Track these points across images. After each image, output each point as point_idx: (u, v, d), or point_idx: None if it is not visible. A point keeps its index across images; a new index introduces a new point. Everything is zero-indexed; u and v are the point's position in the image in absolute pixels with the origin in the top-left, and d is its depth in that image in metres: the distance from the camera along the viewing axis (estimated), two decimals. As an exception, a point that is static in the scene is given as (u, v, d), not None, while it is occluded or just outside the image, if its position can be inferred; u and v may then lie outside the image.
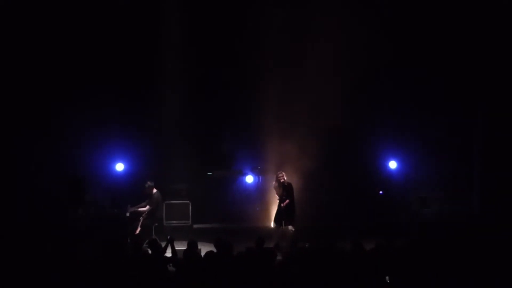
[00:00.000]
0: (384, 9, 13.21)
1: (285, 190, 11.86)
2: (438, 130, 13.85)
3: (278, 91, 13.46)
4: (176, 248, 8.48)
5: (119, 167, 13.78)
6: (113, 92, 13.46)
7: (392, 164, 14.36)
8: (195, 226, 13.37)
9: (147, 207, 12.08)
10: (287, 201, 11.78)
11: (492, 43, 12.87)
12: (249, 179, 14.20)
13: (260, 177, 14.16)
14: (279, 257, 8.51)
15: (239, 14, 13.43)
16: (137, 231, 11.74)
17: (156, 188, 12.34)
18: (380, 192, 14.27)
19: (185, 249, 7.95)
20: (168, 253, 8.39)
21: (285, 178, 11.96)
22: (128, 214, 11.95)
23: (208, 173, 14.03)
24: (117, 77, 13.39)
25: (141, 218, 11.90)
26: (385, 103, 13.98)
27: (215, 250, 7.91)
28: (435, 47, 13.28)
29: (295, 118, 13.78)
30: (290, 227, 11.71)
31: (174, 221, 13.16)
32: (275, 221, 12.00)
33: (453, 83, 13.34)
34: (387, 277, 7.61)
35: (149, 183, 12.28)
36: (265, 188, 13.84)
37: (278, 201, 11.96)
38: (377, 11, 13.14)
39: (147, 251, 8.12)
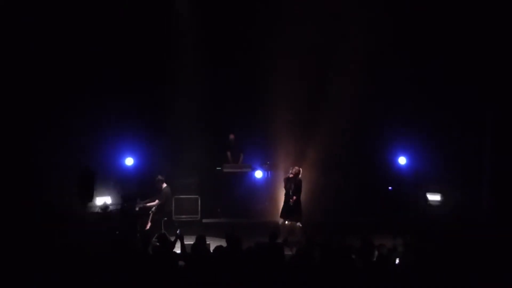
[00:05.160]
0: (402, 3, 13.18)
1: (295, 186, 11.85)
2: (448, 126, 13.76)
3: (287, 87, 13.44)
4: (185, 243, 8.50)
5: (129, 161, 13.80)
6: (123, 86, 13.48)
7: (402, 160, 14.30)
8: (204, 220, 13.40)
9: (157, 201, 12.11)
10: (295, 197, 11.80)
11: (505, 33, 12.74)
12: (258, 174, 14.18)
13: (269, 172, 14.15)
14: (287, 252, 8.54)
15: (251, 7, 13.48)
16: (147, 226, 11.81)
17: (165, 183, 12.36)
18: (390, 188, 14.21)
19: (193, 243, 7.97)
20: (177, 249, 8.41)
21: (300, 175, 11.95)
22: (137, 209, 11.99)
23: (217, 168, 14.03)
24: (127, 71, 13.40)
25: (150, 212, 11.95)
26: (394, 98, 13.90)
27: (224, 245, 7.92)
28: (446, 39, 13.17)
29: (304, 114, 13.79)
30: (297, 223, 11.75)
31: (184, 216, 13.22)
32: (282, 215, 12.02)
33: (464, 79, 13.24)
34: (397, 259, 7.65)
35: (159, 177, 12.33)
36: (274, 183, 13.84)
37: (284, 195, 11.98)
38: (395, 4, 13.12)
39: (157, 245, 8.15)
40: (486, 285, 6.99)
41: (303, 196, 12.12)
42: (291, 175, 11.89)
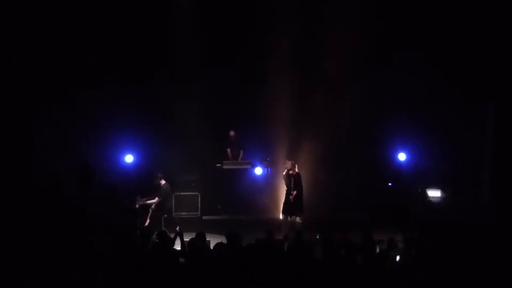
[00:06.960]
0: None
1: (294, 181, 11.85)
2: (448, 122, 13.77)
3: (287, 84, 13.45)
4: (185, 240, 8.49)
5: (129, 158, 13.80)
6: (123, 84, 13.48)
7: (402, 156, 14.31)
8: (204, 217, 13.41)
9: (156, 199, 12.11)
10: (295, 192, 11.79)
11: (505, 33, 12.74)
12: (258, 171, 14.19)
13: (269, 169, 14.15)
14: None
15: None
16: (147, 223, 11.80)
17: (165, 180, 12.36)
18: (389, 184, 14.22)
19: (190, 239, 7.94)
20: (177, 245, 8.40)
21: (296, 168, 11.94)
22: (137, 206, 11.98)
23: (217, 165, 14.03)
24: (127, 69, 13.41)
25: (150, 209, 11.95)
26: (395, 96, 13.91)
27: (224, 242, 7.92)
28: (447, 38, 13.18)
29: (304, 110, 13.80)
30: (298, 219, 11.75)
31: (183, 213, 13.23)
32: (283, 212, 12.02)
33: (465, 76, 13.24)
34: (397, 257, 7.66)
35: (158, 174, 12.32)
36: (274, 180, 13.84)
37: (286, 191, 11.98)
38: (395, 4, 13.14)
39: (156, 242, 8.14)
40: (486, 283, 6.99)
41: (304, 191, 12.10)
42: (290, 172, 11.89)
